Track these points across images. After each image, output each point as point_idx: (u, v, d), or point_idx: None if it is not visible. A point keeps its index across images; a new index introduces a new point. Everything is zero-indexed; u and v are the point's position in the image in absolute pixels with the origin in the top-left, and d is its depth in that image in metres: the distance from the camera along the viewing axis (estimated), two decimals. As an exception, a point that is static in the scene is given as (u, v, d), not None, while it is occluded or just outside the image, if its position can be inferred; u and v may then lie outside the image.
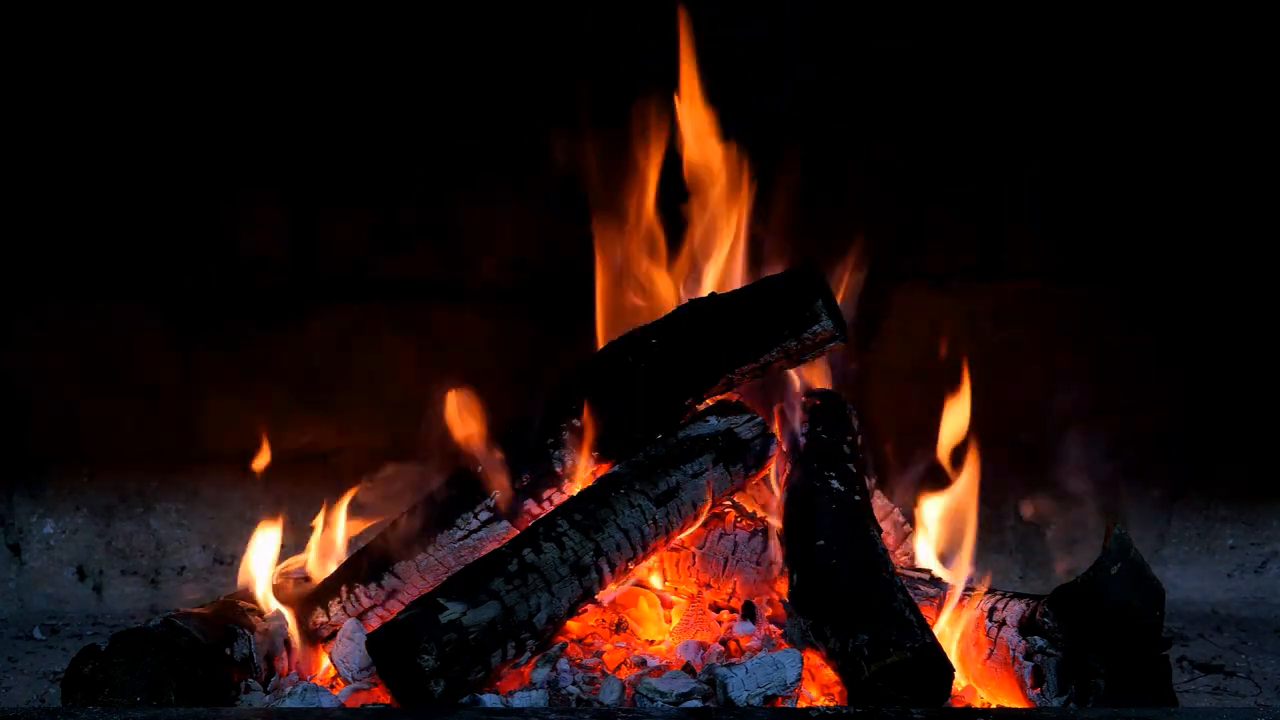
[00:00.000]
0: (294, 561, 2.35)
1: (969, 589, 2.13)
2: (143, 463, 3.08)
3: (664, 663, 2.06)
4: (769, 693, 1.87)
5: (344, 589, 2.21)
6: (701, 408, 2.30)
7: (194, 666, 1.91)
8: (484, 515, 2.20)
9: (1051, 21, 2.97)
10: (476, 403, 2.28)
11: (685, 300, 2.42)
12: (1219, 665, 2.55)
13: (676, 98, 2.52)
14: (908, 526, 2.45)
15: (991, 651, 1.98)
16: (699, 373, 2.26)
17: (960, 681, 2.02)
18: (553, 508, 2.18)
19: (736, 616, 2.21)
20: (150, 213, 3.01)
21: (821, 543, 2.04)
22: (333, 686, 2.07)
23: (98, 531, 3.07)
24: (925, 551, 2.36)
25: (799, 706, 1.87)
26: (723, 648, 2.10)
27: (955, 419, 2.44)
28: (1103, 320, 3.08)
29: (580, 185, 2.61)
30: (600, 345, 2.43)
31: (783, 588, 2.17)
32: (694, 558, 2.30)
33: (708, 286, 2.46)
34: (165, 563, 3.08)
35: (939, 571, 2.27)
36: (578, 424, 2.24)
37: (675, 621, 2.22)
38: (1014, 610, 1.98)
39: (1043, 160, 3.03)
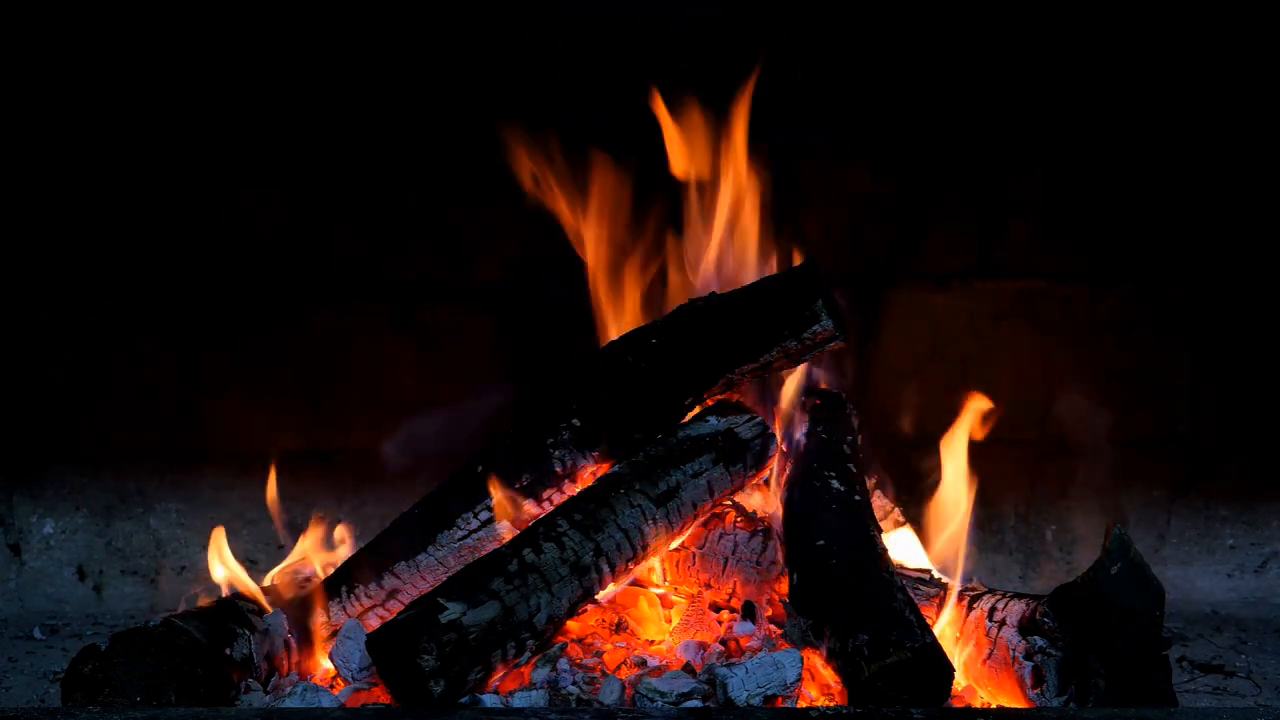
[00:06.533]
0: (294, 561, 2.35)
1: (969, 589, 2.13)
2: (143, 463, 3.08)
3: (664, 663, 2.06)
4: (769, 693, 1.87)
5: (344, 589, 2.21)
6: (701, 408, 2.30)
7: (194, 666, 1.91)
8: (484, 515, 2.21)
9: (1051, 23, 2.97)
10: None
11: (685, 299, 2.42)
12: (1219, 665, 2.54)
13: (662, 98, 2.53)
14: (908, 526, 2.45)
15: (991, 651, 1.98)
16: (699, 372, 2.25)
17: (960, 681, 2.02)
18: (553, 508, 2.18)
19: (736, 616, 2.21)
20: (150, 212, 3.01)
21: (821, 543, 2.04)
22: (333, 686, 2.07)
23: (98, 531, 3.07)
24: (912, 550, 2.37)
25: (799, 706, 1.87)
26: (723, 648, 2.10)
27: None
28: (1103, 320, 3.09)
29: (581, 185, 2.61)
30: (600, 345, 2.43)
31: (783, 588, 2.17)
32: (694, 558, 2.30)
33: (708, 285, 2.46)
34: (165, 563, 3.08)
35: (937, 571, 2.27)
36: (577, 424, 2.24)
37: (675, 621, 2.22)
38: (1014, 610, 1.98)
39: (1043, 160, 3.03)
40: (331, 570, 2.30)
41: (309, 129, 2.99)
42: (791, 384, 2.43)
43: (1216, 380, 3.09)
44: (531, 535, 2.02)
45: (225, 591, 2.20)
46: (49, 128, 2.98)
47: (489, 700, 1.88)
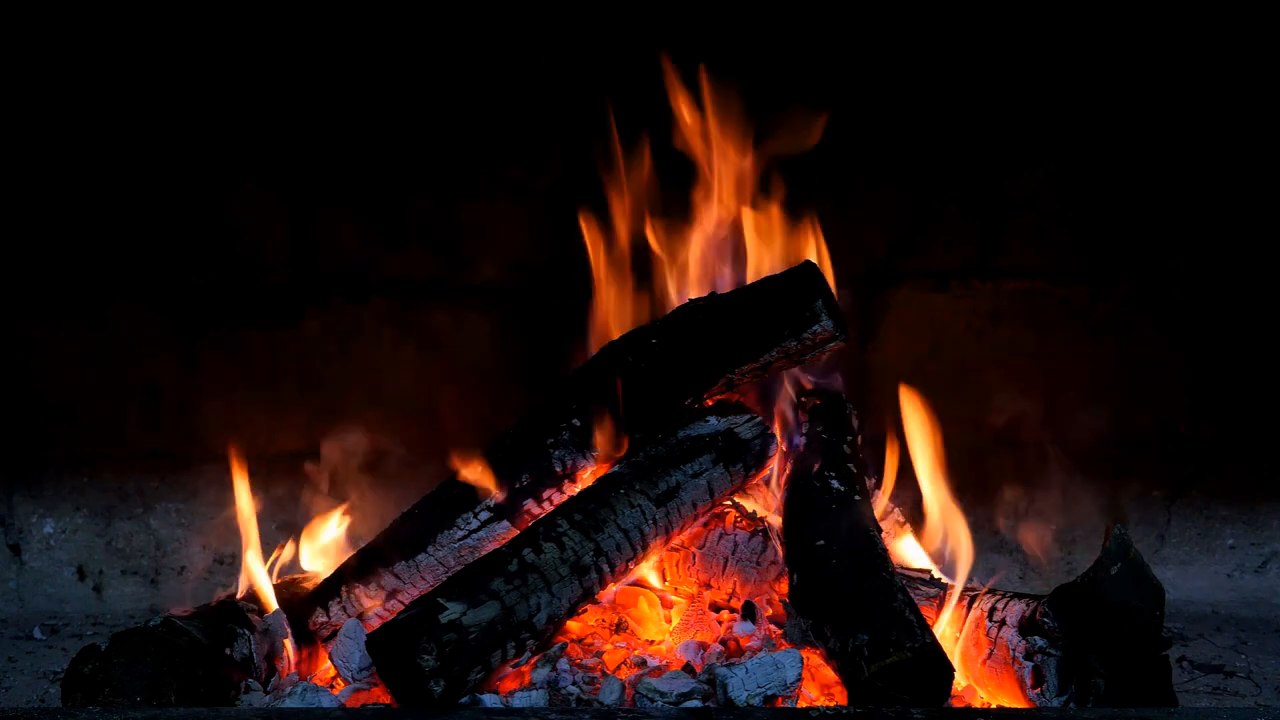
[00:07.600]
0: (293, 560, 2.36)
1: (969, 589, 2.13)
2: (143, 463, 3.08)
3: (664, 663, 2.06)
4: (769, 693, 1.87)
5: (344, 589, 2.21)
6: (701, 408, 2.29)
7: (194, 666, 1.91)
8: (484, 515, 2.21)
9: (1052, 25, 2.97)
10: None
11: (686, 300, 2.42)
12: (1219, 665, 2.55)
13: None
14: (908, 526, 2.45)
15: (991, 651, 1.98)
16: (699, 372, 2.26)
17: (960, 681, 2.02)
18: (553, 508, 2.18)
19: (736, 616, 2.21)
20: (149, 212, 3.01)
21: (821, 543, 2.04)
22: (332, 686, 2.07)
23: (98, 531, 3.07)
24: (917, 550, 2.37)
25: (799, 706, 1.87)
26: (723, 648, 2.10)
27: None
28: (1102, 319, 3.08)
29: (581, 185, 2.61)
30: (600, 345, 2.43)
31: (783, 588, 2.17)
32: (694, 558, 2.30)
33: (708, 286, 2.46)
34: (165, 563, 3.08)
35: (938, 572, 2.27)
36: (578, 424, 2.24)
37: (675, 621, 2.22)
38: (1014, 610, 1.98)
39: (1043, 160, 3.03)
40: (331, 570, 2.30)
41: (310, 128, 2.99)
42: (791, 384, 2.43)
43: (1216, 380, 3.09)
44: (531, 535, 2.02)
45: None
46: (50, 127, 2.98)
47: (489, 700, 1.88)
